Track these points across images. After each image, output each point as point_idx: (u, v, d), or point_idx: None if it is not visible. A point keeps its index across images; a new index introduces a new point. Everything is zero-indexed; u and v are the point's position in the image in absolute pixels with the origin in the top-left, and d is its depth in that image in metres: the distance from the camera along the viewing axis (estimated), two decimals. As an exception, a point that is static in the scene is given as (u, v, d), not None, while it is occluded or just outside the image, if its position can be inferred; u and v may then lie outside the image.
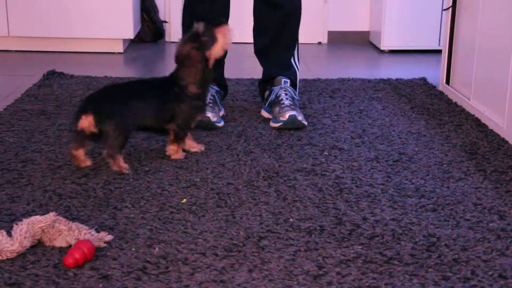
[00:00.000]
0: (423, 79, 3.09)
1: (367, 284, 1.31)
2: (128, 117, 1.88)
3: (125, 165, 1.88)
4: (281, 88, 2.43)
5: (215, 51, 1.97)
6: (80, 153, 1.89)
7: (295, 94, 2.46)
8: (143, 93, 1.96)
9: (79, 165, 1.91)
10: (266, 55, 2.53)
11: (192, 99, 1.97)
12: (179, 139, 1.99)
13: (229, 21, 2.47)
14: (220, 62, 2.41)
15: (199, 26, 1.97)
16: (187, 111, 1.97)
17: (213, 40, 1.96)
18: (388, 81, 3.06)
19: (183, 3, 2.48)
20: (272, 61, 2.51)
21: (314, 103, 2.66)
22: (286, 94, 2.40)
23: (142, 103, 1.92)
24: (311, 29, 4.22)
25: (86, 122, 1.83)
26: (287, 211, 1.64)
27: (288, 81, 2.47)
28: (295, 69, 2.52)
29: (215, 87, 2.44)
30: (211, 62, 1.97)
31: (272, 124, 2.33)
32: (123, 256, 1.40)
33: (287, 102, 2.36)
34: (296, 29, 2.50)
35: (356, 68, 3.55)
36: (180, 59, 1.97)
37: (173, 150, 1.99)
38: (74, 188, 1.77)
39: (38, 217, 1.45)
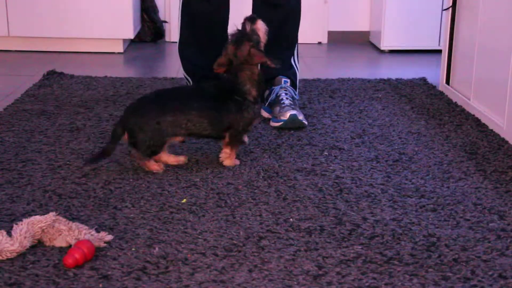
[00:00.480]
0: (423, 79, 3.09)
1: (367, 284, 1.31)
2: (165, 131, 1.84)
3: (155, 167, 1.88)
4: (281, 87, 2.43)
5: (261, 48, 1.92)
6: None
7: (295, 94, 2.45)
8: (200, 104, 1.87)
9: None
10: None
11: (253, 104, 1.91)
12: (234, 143, 1.92)
13: (229, 21, 2.47)
14: None
15: (246, 25, 1.90)
16: (249, 118, 1.91)
17: (259, 37, 1.91)
18: (388, 81, 3.06)
19: (180, 3, 2.47)
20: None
21: (314, 103, 2.66)
22: (286, 94, 2.40)
23: (198, 115, 1.86)
24: (311, 29, 4.22)
25: (124, 136, 1.86)
26: (287, 211, 1.64)
27: (288, 81, 2.47)
28: (295, 69, 2.52)
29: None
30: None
31: (273, 124, 2.33)
32: (123, 256, 1.40)
33: (287, 102, 2.36)
34: (296, 29, 2.50)
35: (356, 68, 3.55)
36: (239, 62, 1.87)
37: (226, 154, 1.93)
38: (74, 188, 1.77)
39: (38, 217, 1.45)
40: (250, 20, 1.92)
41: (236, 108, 1.88)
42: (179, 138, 1.94)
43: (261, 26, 1.92)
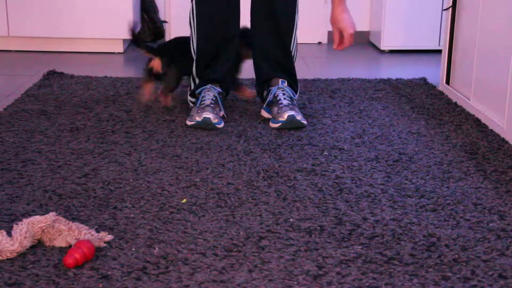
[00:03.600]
0: (423, 79, 3.09)
1: (367, 284, 1.31)
2: (182, 67, 2.46)
3: (170, 103, 2.48)
4: (278, 88, 2.42)
5: None
6: (148, 87, 2.52)
7: (293, 94, 2.45)
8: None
9: (143, 99, 2.54)
10: (262, 60, 2.50)
11: None
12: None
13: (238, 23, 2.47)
14: (226, 61, 2.42)
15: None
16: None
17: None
18: (388, 81, 3.06)
19: (193, 6, 2.45)
20: (269, 65, 2.49)
21: (314, 103, 2.66)
22: (283, 94, 2.39)
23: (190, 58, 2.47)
24: (311, 29, 4.22)
25: (155, 63, 2.44)
26: (287, 211, 1.64)
27: (285, 81, 2.45)
28: (294, 72, 2.50)
29: (218, 88, 2.43)
30: None
31: (272, 125, 2.33)
32: (123, 256, 1.40)
33: (285, 102, 2.35)
34: (291, 35, 2.46)
35: (356, 68, 3.55)
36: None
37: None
38: (74, 188, 1.77)
39: (38, 217, 1.45)
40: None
41: None
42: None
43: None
